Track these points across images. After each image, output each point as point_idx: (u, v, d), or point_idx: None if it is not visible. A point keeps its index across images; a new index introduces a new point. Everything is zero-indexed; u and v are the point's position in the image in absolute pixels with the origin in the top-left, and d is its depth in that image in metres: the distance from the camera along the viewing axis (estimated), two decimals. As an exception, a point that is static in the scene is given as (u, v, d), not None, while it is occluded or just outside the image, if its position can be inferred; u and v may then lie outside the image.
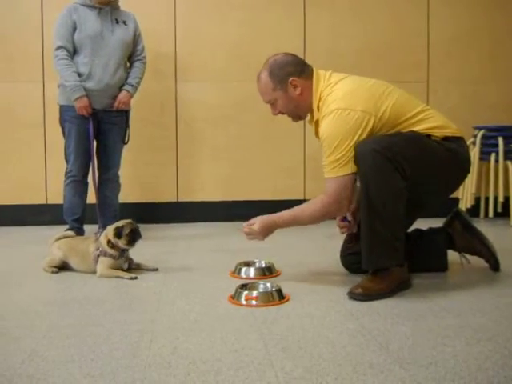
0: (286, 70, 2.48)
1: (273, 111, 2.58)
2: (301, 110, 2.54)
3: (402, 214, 2.33)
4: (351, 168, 2.34)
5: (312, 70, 2.51)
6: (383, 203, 2.27)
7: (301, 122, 2.78)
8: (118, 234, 2.72)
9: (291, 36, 4.42)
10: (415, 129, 2.40)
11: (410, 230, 2.66)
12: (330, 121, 2.37)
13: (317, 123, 2.49)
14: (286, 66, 2.49)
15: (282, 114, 2.58)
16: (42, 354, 1.75)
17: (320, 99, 2.44)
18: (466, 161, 2.54)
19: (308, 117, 2.60)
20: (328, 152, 2.37)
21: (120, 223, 2.77)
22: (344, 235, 2.76)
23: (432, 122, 2.44)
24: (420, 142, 2.38)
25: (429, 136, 2.41)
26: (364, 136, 2.32)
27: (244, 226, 2.57)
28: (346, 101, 2.35)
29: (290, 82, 2.47)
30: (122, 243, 2.73)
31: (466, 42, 4.57)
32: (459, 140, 2.49)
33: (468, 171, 2.57)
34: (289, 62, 2.51)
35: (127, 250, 2.78)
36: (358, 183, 2.40)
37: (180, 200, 4.45)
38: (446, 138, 2.43)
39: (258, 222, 2.54)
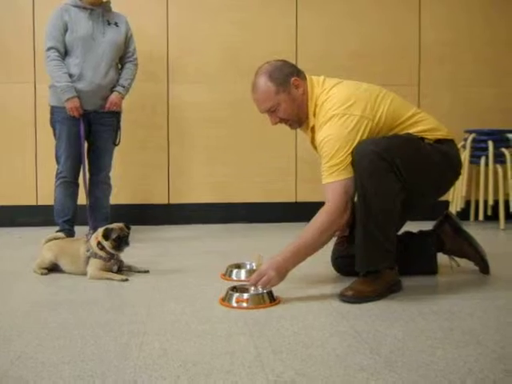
0: (285, 71, 2.46)
1: (272, 120, 2.51)
2: (303, 111, 2.48)
3: (396, 217, 2.34)
4: (350, 172, 2.33)
5: (304, 74, 2.51)
6: (379, 204, 2.28)
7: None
8: (106, 235, 2.71)
9: (283, 38, 4.42)
10: (410, 131, 2.41)
11: (399, 232, 2.67)
12: (328, 127, 2.36)
13: (312, 130, 2.48)
14: (283, 67, 2.47)
15: (281, 122, 2.53)
16: (31, 355, 1.74)
17: (316, 105, 2.43)
18: (458, 163, 2.56)
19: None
20: (328, 157, 2.35)
21: (112, 225, 2.77)
22: (335, 238, 2.76)
23: (425, 124, 2.45)
24: (415, 144, 2.40)
25: (422, 139, 2.42)
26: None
27: (252, 280, 2.34)
28: (343, 106, 2.35)
29: (292, 82, 2.44)
30: (108, 246, 2.72)
31: (458, 45, 4.59)
32: (450, 142, 2.51)
33: (459, 173, 2.59)
34: (285, 64, 2.49)
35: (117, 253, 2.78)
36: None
37: (171, 202, 4.44)
38: (438, 141, 2.45)
39: (268, 271, 2.31)
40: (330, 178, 2.35)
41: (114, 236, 2.71)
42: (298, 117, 2.50)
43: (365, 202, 2.29)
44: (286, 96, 2.44)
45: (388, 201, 2.29)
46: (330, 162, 2.34)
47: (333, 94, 2.40)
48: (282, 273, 2.35)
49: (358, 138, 2.32)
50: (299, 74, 2.48)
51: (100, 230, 2.77)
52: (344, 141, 2.32)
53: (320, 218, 2.35)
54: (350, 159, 2.31)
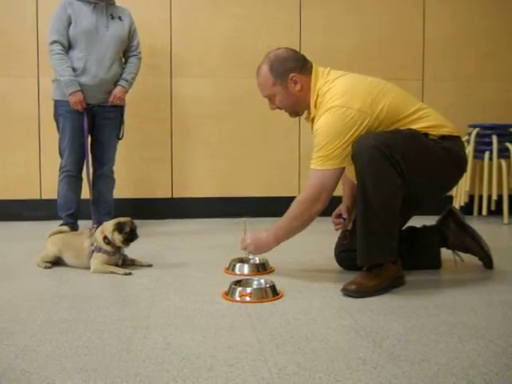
0: (286, 65, 2.47)
1: (271, 106, 2.57)
2: (299, 106, 2.53)
3: (397, 211, 2.33)
4: (335, 164, 2.35)
5: (311, 66, 2.50)
6: (379, 199, 2.28)
7: (296, 119, 2.78)
8: (120, 228, 2.71)
9: (287, 32, 4.42)
10: (413, 127, 2.40)
11: (404, 227, 2.66)
12: (325, 117, 2.37)
13: (313, 120, 2.49)
14: (286, 61, 2.48)
15: (280, 109, 2.57)
16: (35, 348, 1.75)
17: (318, 96, 2.44)
18: (463, 160, 2.54)
19: (305, 114, 2.59)
20: (318, 147, 2.38)
21: (122, 219, 2.77)
22: (338, 232, 2.76)
23: (429, 120, 2.44)
24: (418, 140, 2.38)
25: (426, 134, 2.41)
26: (357, 135, 2.32)
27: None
28: (343, 98, 2.35)
29: (291, 77, 2.46)
30: (118, 240, 2.72)
31: (462, 40, 4.58)
32: (456, 139, 2.49)
33: (464, 170, 2.57)
34: (290, 57, 2.50)
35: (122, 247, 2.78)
36: (355, 180, 2.41)
37: (175, 196, 4.44)
38: (443, 137, 2.43)
39: (250, 241, 2.59)
40: (314, 165, 2.41)
41: (127, 229, 2.72)
42: (293, 109, 2.56)
43: (365, 196, 2.29)
44: (282, 89, 2.48)
45: (388, 195, 2.29)
46: (318, 153, 2.38)
47: (335, 85, 2.41)
48: (261, 249, 2.59)
49: (351, 133, 2.32)
50: (302, 69, 2.48)
51: (108, 224, 2.76)
52: (335, 134, 2.33)
53: (292, 207, 2.49)
54: (338, 152, 2.33)
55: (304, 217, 2.45)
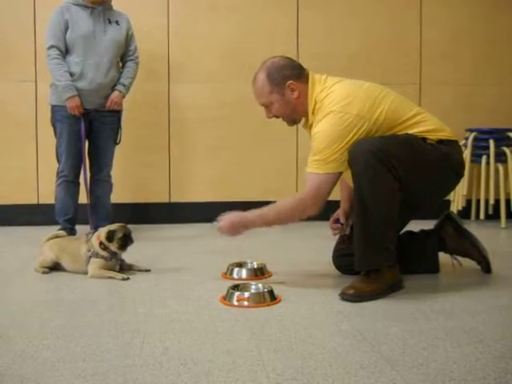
0: (283, 73, 2.47)
1: (267, 114, 2.56)
2: (297, 113, 2.53)
3: (394, 216, 2.33)
4: (332, 168, 2.34)
5: (308, 74, 2.51)
6: (376, 204, 2.28)
7: (294, 124, 2.78)
8: (110, 237, 2.71)
9: (284, 38, 4.42)
10: (410, 132, 2.40)
11: (402, 231, 2.66)
12: (323, 122, 2.37)
13: (311, 127, 2.49)
14: (283, 68, 2.48)
15: (276, 117, 2.56)
16: (32, 354, 1.74)
17: (316, 103, 2.44)
18: (460, 164, 2.54)
19: (303, 121, 2.59)
20: (315, 151, 2.38)
21: (113, 227, 2.77)
22: (336, 236, 2.76)
23: (427, 125, 2.44)
24: (414, 144, 2.39)
25: (423, 139, 2.41)
26: (355, 140, 2.32)
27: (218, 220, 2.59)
28: (341, 104, 2.35)
29: (288, 85, 2.46)
30: (113, 247, 2.72)
31: (459, 44, 4.59)
32: (453, 143, 2.50)
33: (462, 175, 2.58)
34: (286, 65, 2.50)
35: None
36: (352, 184, 2.41)
37: (172, 201, 4.44)
38: (440, 141, 2.43)
39: (225, 217, 2.56)
40: (310, 169, 2.40)
41: (119, 235, 2.72)
42: (290, 117, 2.55)
43: (361, 201, 2.30)
44: (280, 97, 2.47)
45: (385, 200, 2.29)
46: (315, 157, 2.37)
47: (332, 91, 2.41)
48: (231, 228, 2.56)
49: (349, 137, 2.32)
50: (299, 77, 2.48)
51: (102, 232, 2.76)
52: (333, 139, 2.33)
53: (284, 206, 2.46)
54: (335, 157, 2.33)
55: (293, 218, 2.46)
